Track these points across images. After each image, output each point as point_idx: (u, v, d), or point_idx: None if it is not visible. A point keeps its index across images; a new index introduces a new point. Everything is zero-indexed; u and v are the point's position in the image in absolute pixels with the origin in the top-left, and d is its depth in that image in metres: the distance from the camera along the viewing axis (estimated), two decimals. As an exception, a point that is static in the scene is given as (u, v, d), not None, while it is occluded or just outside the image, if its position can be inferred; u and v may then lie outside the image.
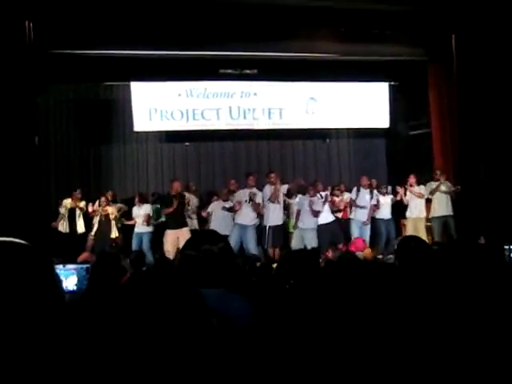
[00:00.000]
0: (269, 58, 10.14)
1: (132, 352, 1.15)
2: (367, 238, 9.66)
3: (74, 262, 7.03)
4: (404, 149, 11.96)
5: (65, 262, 4.33)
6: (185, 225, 9.05)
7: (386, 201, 9.93)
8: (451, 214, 9.49)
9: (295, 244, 9.22)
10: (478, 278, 2.47)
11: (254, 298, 2.46)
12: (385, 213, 9.90)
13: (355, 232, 9.67)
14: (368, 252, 8.62)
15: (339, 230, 9.71)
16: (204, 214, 9.65)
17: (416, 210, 9.68)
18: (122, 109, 11.44)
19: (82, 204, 9.75)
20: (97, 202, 9.57)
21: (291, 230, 9.78)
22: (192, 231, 9.05)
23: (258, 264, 6.96)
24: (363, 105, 11.65)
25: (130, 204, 10.03)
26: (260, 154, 12.42)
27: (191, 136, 11.69)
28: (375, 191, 9.85)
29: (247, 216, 9.08)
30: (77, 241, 9.70)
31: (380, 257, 8.61)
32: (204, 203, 10.07)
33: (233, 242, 8.33)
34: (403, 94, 11.64)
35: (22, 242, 1.02)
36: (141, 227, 9.44)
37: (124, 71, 10.27)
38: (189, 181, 10.70)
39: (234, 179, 10.05)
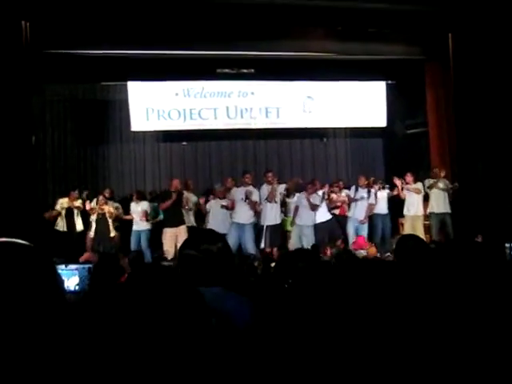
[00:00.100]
0: (266, 57, 10.14)
1: (132, 352, 1.15)
2: (365, 236, 9.68)
3: (74, 261, 7.03)
4: (401, 147, 11.98)
5: (67, 262, 4.31)
6: (183, 222, 9.08)
7: (382, 195, 9.94)
8: (449, 211, 9.51)
9: (293, 242, 9.23)
10: (476, 276, 2.47)
11: (252, 297, 2.46)
12: (381, 207, 9.92)
13: (350, 231, 9.70)
14: (373, 251, 8.64)
15: (337, 226, 9.76)
16: (203, 205, 9.66)
17: (413, 207, 9.70)
18: (119, 108, 11.44)
19: (78, 203, 9.77)
20: (94, 201, 9.59)
21: (289, 228, 9.79)
22: (190, 228, 9.09)
23: (256, 263, 6.98)
24: (360, 104, 11.66)
25: (127, 203, 10.02)
26: (257, 153, 12.42)
27: (188, 136, 11.69)
28: (372, 190, 9.86)
29: (244, 215, 9.09)
30: (75, 239, 9.72)
31: (377, 255, 8.63)
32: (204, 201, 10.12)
33: (231, 241, 8.33)
34: (400, 92, 11.65)
35: (24, 242, 1.01)
36: (139, 225, 9.45)
37: (121, 71, 10.26)
38: (187, 179, 10.69)
39: (231, 178, 10.05)
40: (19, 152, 7.52)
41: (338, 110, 11.62)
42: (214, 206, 9.46)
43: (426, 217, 9.79)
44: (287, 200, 9.84)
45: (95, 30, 8.51)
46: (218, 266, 2.12)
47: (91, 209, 9.52)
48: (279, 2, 8.42)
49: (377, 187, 9.89)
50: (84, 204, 9.73)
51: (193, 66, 10.22)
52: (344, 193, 10.19)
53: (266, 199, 9.08)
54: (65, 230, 9.73)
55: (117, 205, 10.05)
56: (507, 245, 4.86)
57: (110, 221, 9.50)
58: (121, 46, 9.20)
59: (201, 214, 9.94)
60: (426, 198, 9.75)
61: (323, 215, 9.48)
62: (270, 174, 9.29)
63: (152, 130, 11.40)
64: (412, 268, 3.00)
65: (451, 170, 9.90)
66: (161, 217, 9.55)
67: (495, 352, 1.87)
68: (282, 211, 9.65)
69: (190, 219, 9.66)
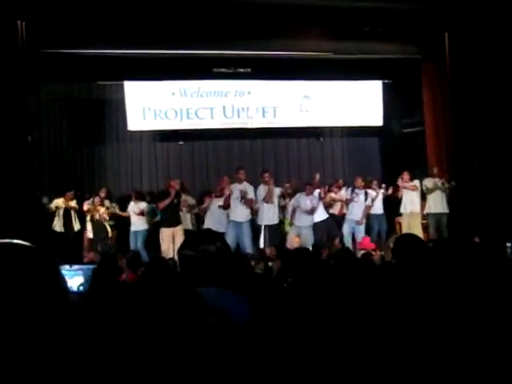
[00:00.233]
0: (262, 56, 10.13)
1: (132, 353, 1.15)
2: (361, 237, 9.69)
3: (71, 262, 7.01)
4: (398, 146, 11.99)
5: (66, 263, 4.30)
6: (180, 222, 9.08)
7: (378, 196, 9.96)
8: (446, 211, 9.53)
9: (291, 242, 9.23)
10: (475, 275, 2.47)
11: (250, 295, 2.46)
12: (377, 208, 9.95)
13: (347, 231, 9.73)
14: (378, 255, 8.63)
15: (334, 225, 9.79)
16: (201, 208, 9.68)
17: (410, 204, 9.72)
18: (115, 108, 11.42)
19: (74, 203, 9.77)
20: (90, 201, 9.60)
21: (287, 228, 9.79)
22: (186, 231, 9.09)
23: (253, 262, 6.97)
24: (357, 103, 11.67)
25: (126, 202, 10.00)
26: (254, 152, 12.42)
27: (185, 135, 11.69)
28: (369, 191, 9.88)
29: (241, 213, 9.10)
30: (72, 240, 9.73)
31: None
32: (199, 203, 10.10)
33: (229, 239, 8.32)
34: (397, 91, 11.65)
35: (26, 243, 1.01)
36: (136, 225, 9.45)
37: (117, 70, 10.23)
38: (183, 180, 10.68)
39: (227, 177, 10.03)
40: (15, 151, 7.50)
41: (335, 110, 11.62)
42: (210, 206, 9.47)
43: (424, 216, 9.82)
44: (284, 202, 9.86)
45: (91, 30, 8.49)
46: (216, 266, 2.12)
47: (88, 210, 9.54)
48: (275, 1, 8.42)
49: (374, 189, 9.91)
50: (81, 204, 9.74)
51: (189, 65, 10.20)
52: (343, 191, 10.22)
53: (263, 200, 9.08)
54: (62, 230, 9.73)
55: (111, 204, 10.04)
56: (508, 244, 4.87)
57: (105, 222, 9.54)
58: (117, 46, 9.18)
59: (198, 214, 9.95)
60: (424, 197, 9.78)
61: (320, 214, 9.51)
62: (266, 175, 9.30)
63: (148, 129, 11.38)
64: (410, 267, 3.01)
65: (448, 168, 9.92)
66: (158, 217, 9.54)
67: (493, 349, 1.87)
68: (279, 211, 9.66)
69: (187, 220, 9.66)
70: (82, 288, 3.94)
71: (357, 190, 9.85)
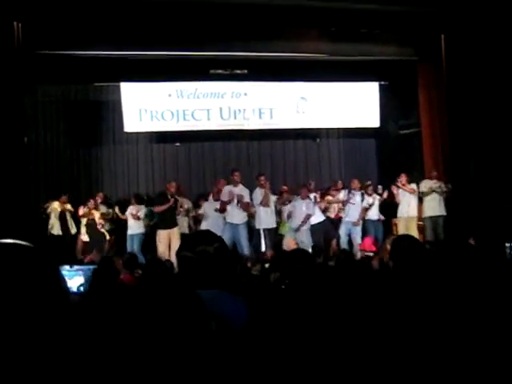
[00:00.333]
0: (259, 58, 10.14)
1: (132, 356, 1.14)
2: (358, 239, 9.70)
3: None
4: (394, 148, 12.01)
5: (71, 263, 4.28)
6: (176, 225, 9.08)
7: (374, 202, 9.98)
8: (444, 214, 9.54)
9: (288, 245, 9.22)
10: (472, 276, 2.48)
11: (248, 297, 2.45)
12: (373, 213, 9.96)
13: (343, 232, 9.74)
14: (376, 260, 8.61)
15: (331, 227, 9.80)
16: (198, 213, 9.71)
17: (408, 209, 9.72)
18: (111, 109, 11.41)
19: (69, 206, 9.80)
20: (86, 206, 9.62)
21: (283, 231, 9.78)
22: (182, 235, 9.09)
23: (249, 264, 6.97)
24: (353, 104, 11.68)
25: (124, 206, 9.99)
26: (251, 154, 12.42)
27: (182, 136, 11.68)
28: (366, 194, 9.90)
29: (237, 215, 9.09)
30: (69, 243, 9.73)
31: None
32: (196, 205, 10.10)
33: (225, 241, 8.30)
34: (393, 93, 11.68)
35: (26, 243, 1.00)
36: (133, 229, 9.43)
37: (114, 72, 10.22)
38: (179, 182, 10.67)
39: (223, 179, 10.02)
40: (11, 153, 7.48)
41: (331, 111, 11.63)
42: (207, 209, 9.46)
43: (421, 218, 9.83)
44: (281, 207, 9.88)
45: (88, 31, 8.48)
46: (215, 267, 2.12)
47: (83, 215, 9.57)
48: (272, 2, 8.42)
49: (370, 195, 9.93)
50: (77, 209, 9.76)
51: (186, 66, 10.21)
52: (342, 194, 10.24)
53: (261, 203, 9.07)
54: (60, 233, 9.72)
55: (108, 210, 10.03)
56: (507, 244, 4.88)
57: (99, 227, 9.55)
58: (114, 47, 9.17)
59: (195, 218, 9.95)
60: (421, 200, 9.78)
61: (317, 217, 9.52)
62: (262, 178, 9.29)
63: (145, 130, 11.37)
64: (407, 268, 3.01)
65: (444, 169, 9.94)
66: (156, 220, 9.53)
67: (490, 347, 1.87)
68: (276, 215, 9.67)
69: (184, 224, 9.66)
70: (82, 288, 3.93)
71: (353, 192, 9.85)
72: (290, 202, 9.69)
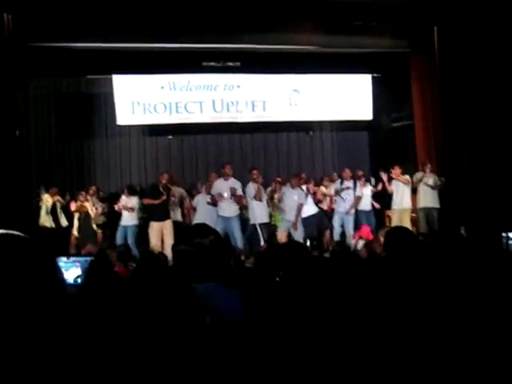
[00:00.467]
0: (252, 50, 10.09)
1: (127, 350, 1.14)
2: (350, 229, 9.71)
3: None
4: (387, 140, 12.02)
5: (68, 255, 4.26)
6: (168, 217, 9.08)
7: (366, 192, 10.00)
8: (437, 206, 9.58)
9: (281, 237, 9.23)
10: (465, 268, 2.49)
11: (242, 290, 2.46)
12: (365, 204, 9.98)
13: (336, 223, 9.75)
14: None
15: (324, 218, 9.83)
16: (189, 206, 9.72)
17: (401, 200, 9.74)
18: (104, 102, 11.37)
19: (59, 198, 9.81)
20: (77, 199, 9.62)
21: (277, 222, 9.79)
22: (176, 223, 9.12)
23: (243, 257, 6.98)
24: (346, 97, 11.67)
25: (117, 197, 9.97)
26: (244, 146, 12.42)
27: (174, 129, 11.64)
28: (358, 183, 9.90)
29: (230, 208, 9.09)
30: (61, 235, 9.70)
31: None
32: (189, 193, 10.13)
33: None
34: (386, 85, 11.68)
35: (22, 234, 1.00)
36: (126, 220, 9.39)
37: (106, 64, 10.17)
38: (172, 175, 10.65)
39: (215, 173, 10.01)
40: (3, 146, 7.44)
41: (324, 103, 11.62)
42: (200, 202, 9.46)
43: (413, 209, 9.86)
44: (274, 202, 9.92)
45: (79, 23, 8.42)
46: (210, 260, 2.12)
47: (75, 210, 9.56)
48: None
49: (361, 182, 9.95)
50: (69, 202, 9.76)
51: (178, 59, 10.16)
52: (334, 185, 10.25)
53: (254, 197, 9.07)
54: (53, 225, 9.71)
55: (100, 204, 10.01)
56: (504, 234, 4.88)
57: (92, 221, 9.55)
58: (106, 39, 9.10)
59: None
60: (415, 192, 9.81)
61: (310, 209, 9.52)
62: (255, 172, 9.27)
63: (138, 123, 11.33)
64: (402, 260, 3.02)
65: (437, 162, 9.97)
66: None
67: (485, 341, 1.89)
68: (269, 206, 9.70)
69: (177, 215, 9.65)
70: (79, 280, 3.91)
71: (345, 182, 9.86)
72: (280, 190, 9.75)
